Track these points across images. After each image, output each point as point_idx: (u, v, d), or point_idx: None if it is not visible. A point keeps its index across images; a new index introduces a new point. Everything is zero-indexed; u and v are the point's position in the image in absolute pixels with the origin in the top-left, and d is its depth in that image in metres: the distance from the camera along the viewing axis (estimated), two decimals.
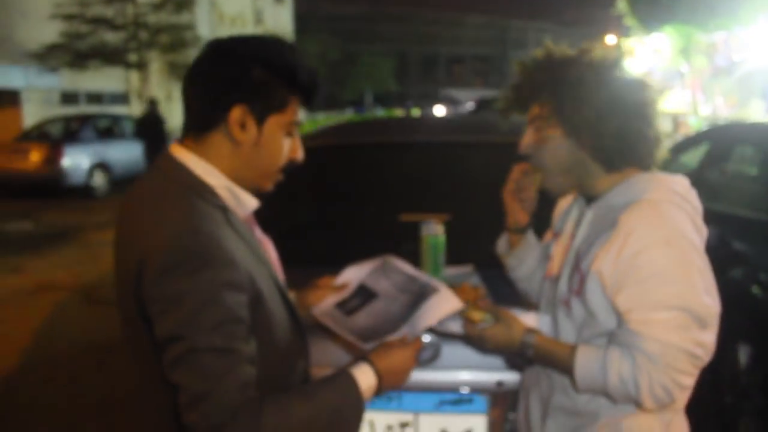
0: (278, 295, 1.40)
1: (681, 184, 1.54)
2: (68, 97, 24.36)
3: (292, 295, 1.72)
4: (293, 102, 1.37)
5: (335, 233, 2.56)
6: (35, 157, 13.10)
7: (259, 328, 1.29)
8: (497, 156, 2.37)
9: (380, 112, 38.50)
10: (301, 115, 1.46)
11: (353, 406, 1.33)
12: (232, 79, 1.30)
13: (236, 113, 1.31)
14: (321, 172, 2.90)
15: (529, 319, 1.63)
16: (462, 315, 1.62)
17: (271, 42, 1.38)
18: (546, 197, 1.75)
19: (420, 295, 1.64)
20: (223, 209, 1.32)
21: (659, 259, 1.41)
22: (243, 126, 1.32)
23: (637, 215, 1.46)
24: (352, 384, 1.34)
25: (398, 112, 35.41)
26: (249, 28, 38.68)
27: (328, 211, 2.75)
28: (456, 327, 1.64)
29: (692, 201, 1.53)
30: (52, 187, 13.20)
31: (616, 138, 1.52)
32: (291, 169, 2.81)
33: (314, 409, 1.25)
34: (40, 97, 22.47)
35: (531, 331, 1.57)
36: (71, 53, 20.35)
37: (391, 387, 1.42)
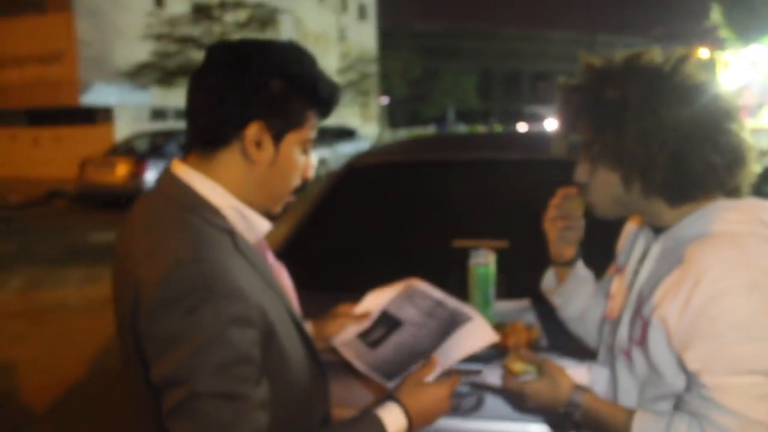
0: (294, 328, 1.24)
1: None
2: (157, 113, 25.26)
3: (308, 326, 1.55)
4: (311, 117, 1.24)
5: (378, 259, 2.36)
6: (121, 171, 13.56)
7: (272, 367, 1.14)
8: (564, 175, 2.12)
9: (463, 129, 38.29)
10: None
11: None
12: (249, 91, 1.16)
13: (253, 130, 1.17)
14: (368, 191, 2.72)
15: (579, 373, 1.37)
16: (502, 365, 1.38)
17: (289, 48, 1.23)
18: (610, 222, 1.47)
19: (450, 323, 1.44)
20: (231, 233, 1.17)
21: (740, 308, 1.14)
22: (259, 144, 1.19)
23: (712, 251, 1.19)
24: (379, 428, 1.20)
25: (480, 129, 35.09)
26: (333, 46, 39.28)
27: (372, 234, 2.54)
28: (494, 378, 1.40)
29: None
30: (135, 199, 13.53)
31: (669, 170, 1.24)
32: (336, 189, 2.65)
33: None
34: (131, 113, 23.41)
35: (580, 389, 1.31)
36: (160, 71, 21.08)
37: (420, 428, 1.26)
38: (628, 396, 1.34)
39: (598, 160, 1.30)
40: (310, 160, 1.30)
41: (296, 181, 1.27)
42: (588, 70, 1.32)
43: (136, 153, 14.66)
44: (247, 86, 1.16)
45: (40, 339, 5.73)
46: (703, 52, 24.56)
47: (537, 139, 3.40)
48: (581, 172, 1.37)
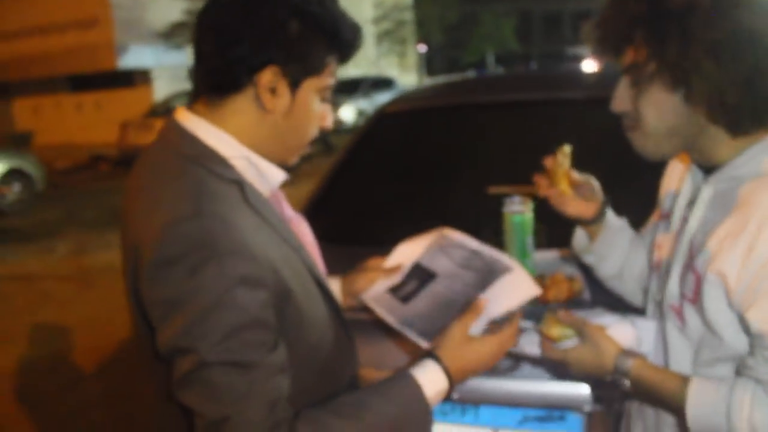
0: (315, 286, 1.14)
1: None
2: None
3: (336, 282, 1.47)
4: (331, 62, 1.13)
5: (409, 210, 2.24)
6: None
7: (290, 329, 1.05)
8: (601, 113, 1.96)
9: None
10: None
11: (418, 420, 1.08)
12: (264, 32, 1.05)
13: (268, 76, 1.06)
14: (399, 138, 2.59)
15: (624, 331, 1.23)
16: (538, 330, 1.25)
17: None
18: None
19: (487, 273, 1.31)
20: (240, 184, 1.07)
21: None
22: (274, 91, 1.08)
23: None
24: (416, 391, 1.09)
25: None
26: None
27: (403, 183, 2.42)
28: (531, 347, 1.28)
29: None
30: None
31: (745, 90, 1.06)
32: (366, 137, 2.54)
33: (365, 428, 1.02)
34: (169, 74, 23.41)
35: (627, 353, 1.18)
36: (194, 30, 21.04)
37: (461, 383, 1.15)
38: (681, 359, 1.21)
39: (655, 80, 1.13)
40: (329, 108, 1.18)
41: (313, 132, 1.17)
42: None
43: None
44: (263, 27, 1.05)
45: (88, 302, 5.82)
46: None
47: (578, 77, 3.21)
48: (622, 99, 1.19)
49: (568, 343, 1.22)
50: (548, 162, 1.45)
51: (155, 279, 0.97)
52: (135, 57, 22.75)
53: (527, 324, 1.32)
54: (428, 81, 34.27)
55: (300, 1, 1.07)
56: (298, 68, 1.08)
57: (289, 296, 1.04)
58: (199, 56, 1.09)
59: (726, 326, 1.11)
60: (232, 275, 0.95)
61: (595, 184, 1.47)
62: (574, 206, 1.46)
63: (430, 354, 1.14)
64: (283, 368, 1.00)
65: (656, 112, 1.15)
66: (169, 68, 23.22)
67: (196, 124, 1.09)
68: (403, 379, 1.10)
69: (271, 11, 1.05)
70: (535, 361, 1.35)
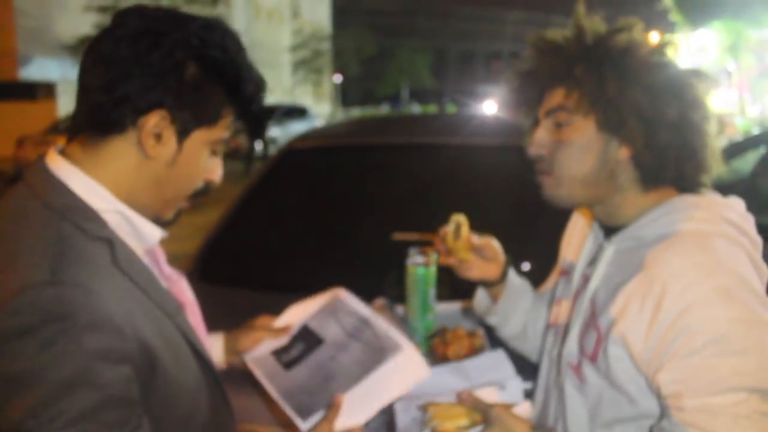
0: (190, 352, 1.05)
1: (735, 209, 1.13)
2: None
3: (219, 339, 1.38)
4: (228, 114, 1.04)
5: (313, 253, 2.17)
6: None
7: (157, 403, 0.95)
8: (514, 160, 1.97)
9: (416, 108, 38.13)
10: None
11: None
12: (156, 72, 0.96)
13: (154, 119, 0.97)
14: (306, 176, 2.52)
15: (523, 409, 1.21)
16: (427, 426, 1.18)
17: (214, 28, 1.01)
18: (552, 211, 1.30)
19: (376, 351, 1.25)
20: (110, 243, 0.96)
21: (718, 319, 1.01)
22: (158, 137, 0.98)
23: (679, 255, 1.05)
24: None
25: (433, 108, 34.93)
26: (286, 23, 38.59)
27: (309, 225, 2.35)
28: None
29: (750, 233, 1.12)
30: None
31: (675, 132, 1.10)
32: (272, 173, 2.45)
33: None
34: (75, 89, 22.58)
35: (540, 430, 1.15)
36: None
37: None
38: (578, 419, 1.19)
39: (585, 119, 1.14)
40: (219, 161, 1.09)
41: (196, 185, 1.07)
42: (580, 30, 1.18)
43: None
44: (156, 66, 0.96)
45: None
46: (653, 36, 24.94)
47: (485, 122, 3.24)
48: (541, 143, 1.19)
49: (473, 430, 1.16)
50: (442, 233, 1.43)
51: (3, 350, 0.86)
52: (39, 68, 21.80)
53: (408, 414, 1.27)
54: (342, 112, 34.51)
55: (201, 45, 0.98)
56: (189, 116, 1.00)
57: (156, 369, 0.96)
58: (84, 90, 0.99)
59: (631, 385, 1.10)
60: (92, 350, 0.86)
61: (495, 245, 1.46)
62: (476, 270, 1.45)
63: None
64: None
65: (576, 156, 1.16)
66: (75, 83, 22.42)
67: (67, 172, 0.98)
68: None
69: (167, 50, 0.96)
70: None
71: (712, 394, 1.00)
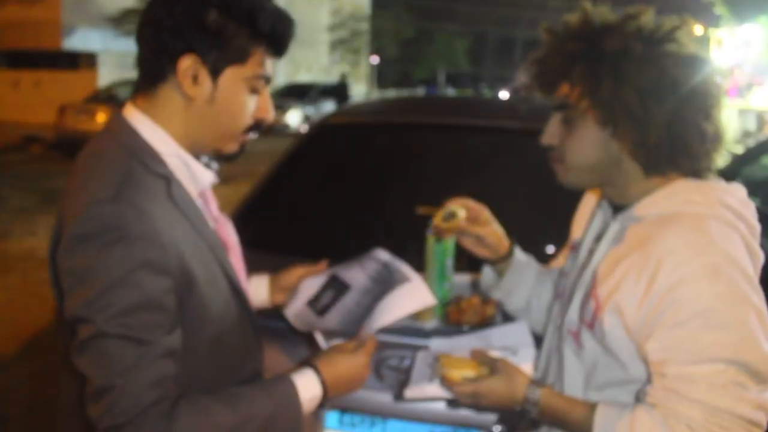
0: (226, 283, 1.22)
1: (735, 195, 1.20)
2: None
3: (264, 279, 1.55)
4: (257, 53, 1.19)
5: (339, 223, 2.27)
6: (100, 118, 13.28)
7: (191, 319, 1.13)
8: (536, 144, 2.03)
9: (452, 93, 37.91)
10: (273, 67, 1.23)
11: (290, 418, 1.17)
12: (182, 21, 1.14)
13: (186, 63, 1.15)
14: (338, 151, 2.62)
15: (526, 363, 1.30)
16: (438, 373, 1.29)
17: None
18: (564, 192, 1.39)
19: (389, 282, 1.39)
20: (167, 179, 1.16)
21: (704, 294, 1.08)
22: (195, 79, 1.16)
23: (674, 234, 1.13)
24: (292, 392, 1.18)
25: (469, 93, 34.72)
26: (324, 2, 38.60)
27: (337, 196, 2.45)
28: (433, 389, 1.31)
29: (748, 218, 1.18)
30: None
31: (665, 131, 1.17)
32: (306, 147, 2.55)
33: (240, 417, 1.10)
34: (115, 60, 22.85)
35: (536, 384, 1.24)
36: None
37: (341, 395, 1.27)
38: (574, 381, 1.29)
39: (586, 117, 1.22)
40: (266, 99, 1.24)
41: (245, 120, 1.22)
42: (586, 22, 1.24)
43: (117, 101, 14.35)
44: (181, 16, 1.13)
45: (3, 290, 5.61)
46: (697, 29, 24.39)
47: (517, 105, 3.29)
48: (552, 134, 1.29)
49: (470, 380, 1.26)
50: (437, 213, 1.53)
51: (69, 251, 1.05)
52: (82, 39, 22.10)
53: (425, 363, 1.37)
54: (378, 93, 34.47)
55: None
56: (218, 56, 1.15)
57: (193, 288, 1.12)
58: (138, 49, 1.18)
59: (623, 351, 1.19)
60: (138, 258, 1.04)
61: (495, 235, 1.54)
62: (479, 251, 1.55)
63: (309, 363, 1.24)
64: (173, 352, 1.08)
65: (582, 148, 1.24)
66: (116, 54, 22.66)
67: (137, 119, 1.18)
68: (282, 379, 1.19)
69: (189, 2, 1.14)
70: (448, 402, 1.38)
71: (693, 363, 1.08)
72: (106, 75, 21.48)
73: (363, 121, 2.87)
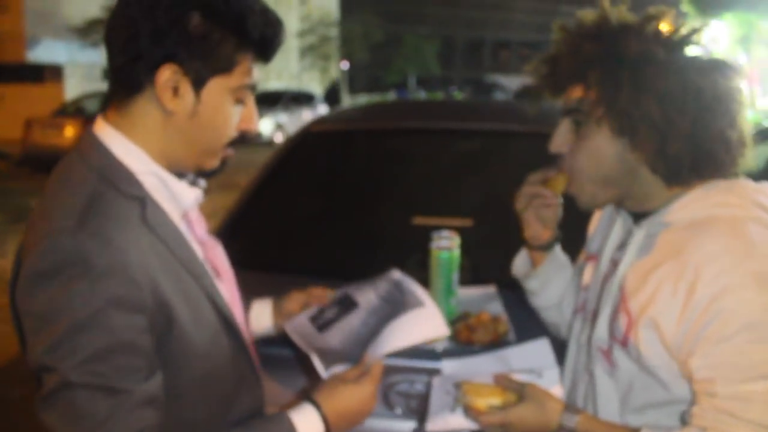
0: (214, 316, 1.09)
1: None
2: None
3: (267, 304, 1.41)
4: (244, 60, 1.06)
5: (332, 237, 2.16)
6: (69, 132, 12.97)
7: (174, 359, 1.01)
8: (537, 149, 1.95)
9: (423, 96, 38.05)
10: (258, 74, 1.10)
11: None
12: (161, 26, 1.00)
13: (166, 74, 1.01)
14: (324, 160, 2.51)
15: (555, 387, 1.21)
16: (460, 401, 1.18)
17: None
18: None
19: (400, 305, 1.27)
20: (142, 201, 1.03)
21: (751, 304, 1.00)
22: (176, 91, 1.03)
23: (712, 239, 1.04)
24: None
25: (440, 96, 34.86)
26: (293, 8, 38.46)
27: (326, 209, 2.34)
28: (457, 420, 1.20)
29: None
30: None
31: (688, 141, 1.09)
32: (289, 157, 2.44)
33: None
34: (82, 72, 22.54)
35: (571, 409, 1.14)
36: None
37: (345, 430, 1.14)
38: (609, 404, 1.19)
39: (600, 124, 1.13)
40: (251, 109, 1.12)
41: (229, 134, 1.10)
42: (604, 21, 1.15)
43: (86, 114, 14.10)
44: (160, 20, 1.00)
45: None
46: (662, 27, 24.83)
47: (506, 108, 3.22)
48: (561, 141, 1.20)
49: (496, 409, 1.16)
50: (550, 173, 1.34)
51: (28, 291, 0.95)
52: (47, 51, 21.76)
53: (443, 390, 1.26)
54: (349, 98, 34.43)
55: None
56: (201, 65, 1.03)
57: (172, 324, 1.00)
58: (109, 56, 1.04)
59: (661, 369, 1.10)
60: (105, 295, 0.92)
61: (560, 212, 1.43)
62: (532, 228, 1.42)
63: (308, 398, 1.12)
64: (154, 399, 0.96)
65: (594, 158, 1.16)
66: (82, 66, 22.36)
67: (108, 135, 1.05)
68: (279, 419, 1.08)
69: (169, 4, 1.00)
70: None
71: (745, 381, 0.99)
72: (73, 87, 21.15)
73: (346, 128, 2.76)
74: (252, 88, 1.10)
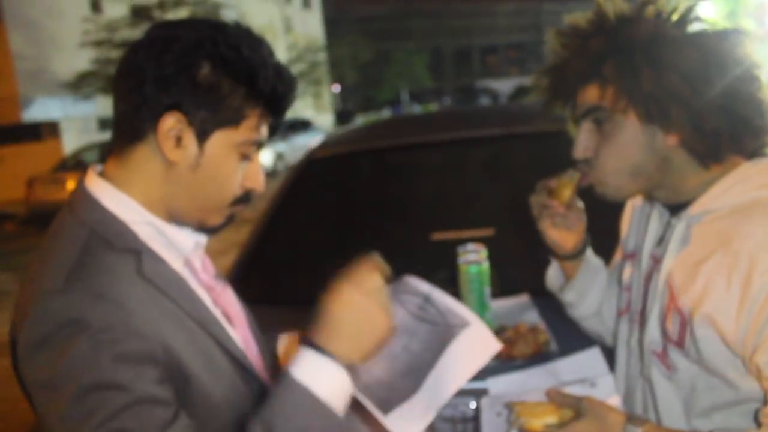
0: (228, 363, 1.02)
1: None
2: (105, 123, 24.44)
3: (286, 341, 1.32)
4: (253, 115, 1.02)
5: (350, 262, 2.09)
6: (71, 186, 12.88)
7: (197, 415, 0.94)
8: (547, 147, 1.88)
9: (417, 110, 38.09)
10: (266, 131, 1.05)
11: (324, 425, 0.94)
12: (168, 73, 0.97)
13: (169, 122, 0.97)
14: (331, 185, 2.45)
15: (613, 397, 1.14)
16: (514, 424, 1.11)
17: (227, 29, 1.01)
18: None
19: (443, 330, 1.16)
20: (137, 253, 0.98)
21: None
22: (178, 141, 0.99)
23: (762, 224, 0.97)
24: (302, 394, 0.93)
25: (434, 108, 34.91)
26: (279, 38, 38.74)
27: (341, 234, 2.27)
28: None
29: None
30: None
31: (722, 112, 1.02)
32: (295, 186, 2.38)
33: None
34: (78, 125, 22.68)
35: (635, 420, 1.06)
36: (103, 79, 20.42)
37: (369, 352, 1.01)
38: (671, 410, 1.12)
39: (627, 113, 1.08)
40: (258, 167, 1.06)
41: (233, 191, 1.05)
42: (600, 18, 1.11)
43: (86, 166, 14.05)
44: (167, 68, 0.97)
45: None
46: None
47: (513, 112, 3.16)
48: (586, 146, 1.14)
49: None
50: (552, 182, 1.30)
51: (27, 361, 0.91)
52: (41, 109, 21.93)
53: (493, 412, 1.18)
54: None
55: (212, 44, 0.98)
56: (207, 117, 0.99)
57: (189, 379, 0.95)
58: (114, 103, 1.02)
59: (726, 367, 1.03)
60: (109, 353, 0.87)
61: (583, 216, 1.36)
62: (556, 234, 1.34)
63: (306, 342, 0.98)
64: None
65: (624, 152, 1.10)
66: (77, 119, 22.50)
67: (100, 188, 1.01)
68: (286, 386, 0.94)
69: (179, 52, 0.97)
70: None
71: None
72: (70, 141, 21.28)
73: (350, 151, 2.70)
74: (259, 145, 1.05)
